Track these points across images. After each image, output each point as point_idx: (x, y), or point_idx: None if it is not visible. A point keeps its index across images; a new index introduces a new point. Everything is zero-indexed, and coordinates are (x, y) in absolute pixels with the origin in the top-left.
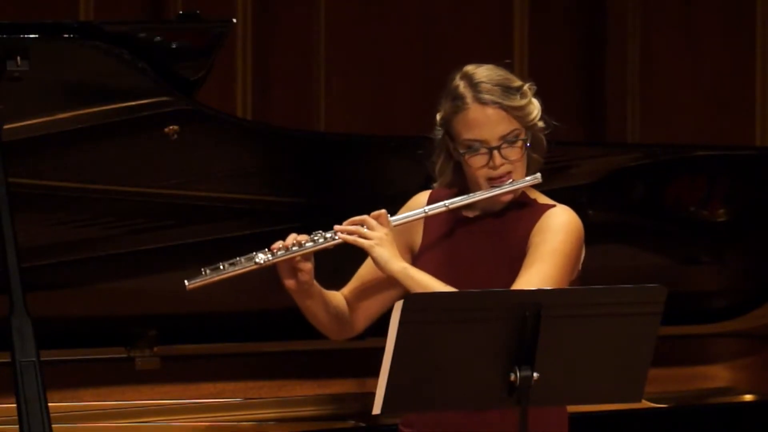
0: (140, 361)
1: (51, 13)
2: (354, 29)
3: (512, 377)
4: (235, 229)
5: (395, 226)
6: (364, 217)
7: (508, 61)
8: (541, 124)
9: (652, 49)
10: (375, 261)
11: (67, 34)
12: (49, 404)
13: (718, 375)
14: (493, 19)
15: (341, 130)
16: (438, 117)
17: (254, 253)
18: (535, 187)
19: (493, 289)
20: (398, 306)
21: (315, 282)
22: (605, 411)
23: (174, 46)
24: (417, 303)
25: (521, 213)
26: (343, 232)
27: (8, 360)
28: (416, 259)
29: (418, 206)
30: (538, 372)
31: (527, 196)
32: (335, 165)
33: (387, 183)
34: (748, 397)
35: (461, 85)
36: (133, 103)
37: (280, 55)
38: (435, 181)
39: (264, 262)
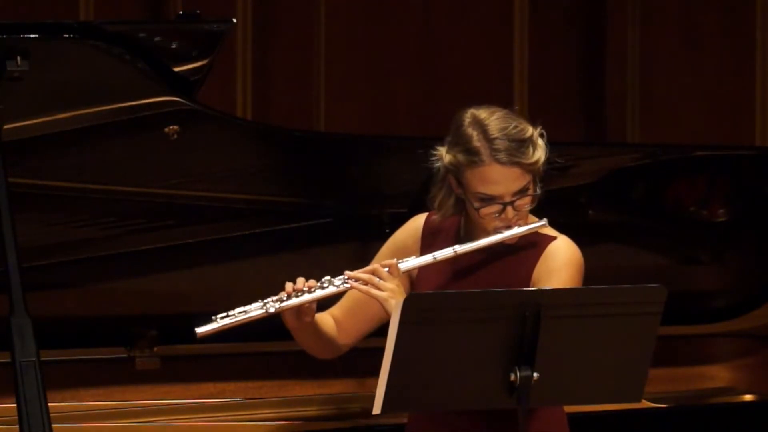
0: (140, 361)
1: (51, 13)
2: (354, 29)
3: (512, 377)
4: (235, 229)
5: (404, 272)
6: (376, 266)
7: (517, 107)
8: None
9: (652, 49)
10: (389, 312)
11: (67, 34)
12: (49, 404)
13: (718, 375)
14: (493, 19)
15: (341, 130)
16: (445, 159)
17: (263, 300)
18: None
19: (493, 290)
20: (398, 306)
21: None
22: (605, 411)
23: (174, 46)
24: (417, 303)
25: (523, 246)
26: (354, 279)
27: (8, 360)
28: (415, 287)
29: (415, 230)
30: (538, 372)
31: None
32: (335, 165)
33: (387, 183)
34: (748, 397)
35: (475, 136)
36: (133, 103)
37: (280, 55)
38: (433, 209)
39: (275, 310)
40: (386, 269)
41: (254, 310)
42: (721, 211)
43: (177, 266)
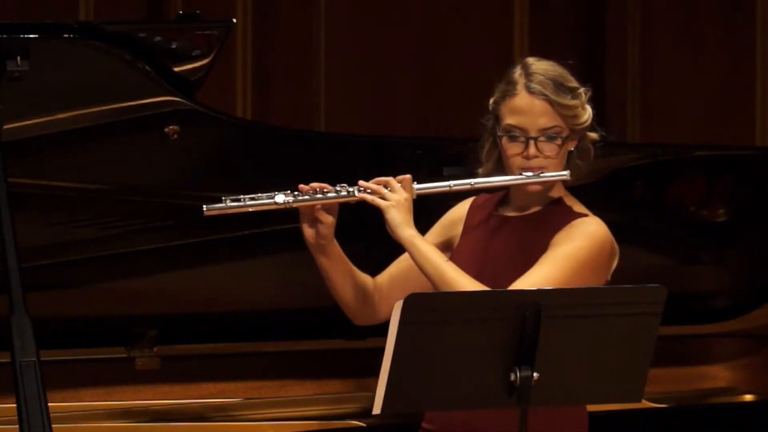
0: (140, 361)
1: (51, 13)
2: (354, 29)
3: (512, 377)
4: (236, 229)
5: (418, 194)
6: (389, 178)
7: (570, 62)
8: (594, 135)
9: (652, 50)
10: (387, 222)
11: (67, 34)
12: (49, 404)
13: (718, 375)
14: (493, 19)
15: (341, 130)
16: (491, 100)
17: (275, 192)
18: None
19: (493, 289)
20: (398, 306)
21: (336, 244)
22: (605, 411)
23: (174, 46)
24: (417, 303)
25: (553, 217)
26: (365, 189)
27: (8, 360)
28: (454, 254)
29: (461, 213)
30: (538, 372)
31: (563, 203)
32: (335, 165)
33: None
34: (748, 397)
35: (517, 72)
36: (133, 103)
37: (280, 55)
38: (482, 166)
39: (284, 203)
40: (400, 184)
41: (264, 199)
42: (722, 211)
43: (177, 266)
